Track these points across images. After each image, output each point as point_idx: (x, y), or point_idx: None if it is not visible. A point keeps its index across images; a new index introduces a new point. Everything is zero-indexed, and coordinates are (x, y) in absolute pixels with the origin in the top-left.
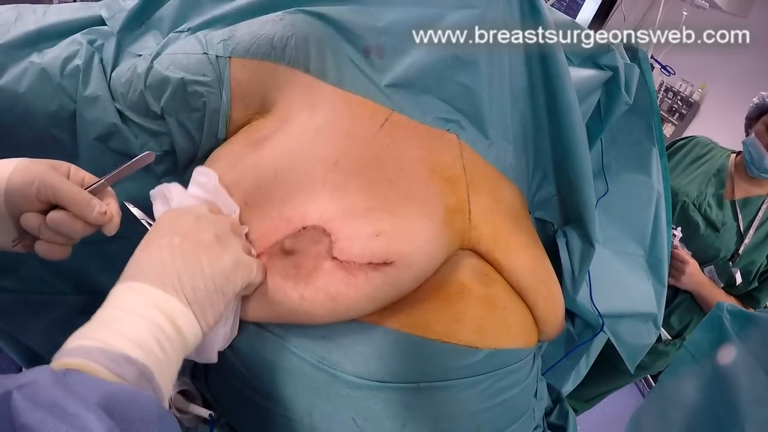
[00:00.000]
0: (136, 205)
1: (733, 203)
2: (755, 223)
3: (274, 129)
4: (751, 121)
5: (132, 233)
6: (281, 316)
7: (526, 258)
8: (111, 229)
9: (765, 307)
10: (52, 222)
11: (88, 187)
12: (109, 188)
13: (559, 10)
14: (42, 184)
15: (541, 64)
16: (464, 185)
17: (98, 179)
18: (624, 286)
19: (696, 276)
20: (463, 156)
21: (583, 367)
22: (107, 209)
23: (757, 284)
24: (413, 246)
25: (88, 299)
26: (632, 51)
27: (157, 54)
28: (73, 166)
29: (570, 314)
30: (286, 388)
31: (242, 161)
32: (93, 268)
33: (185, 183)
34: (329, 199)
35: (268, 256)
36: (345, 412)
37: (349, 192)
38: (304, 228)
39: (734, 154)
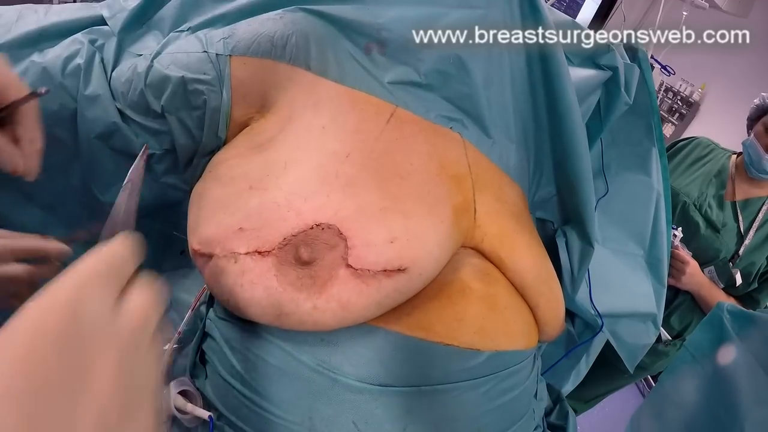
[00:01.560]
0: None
1: (733, 204)
2: (755, 225)
3: (278, 129)
4: (752, 122)
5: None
6: (286, 324)
7: (530, 258)
8: (29, 178)
9: (765, 308)
10: None
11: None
12: (28, 106)
13: (559, 10)
14: None
15: (541, 64)
16: (470, 184)
17: (8, 104)
18: (623, 286)
19: (696, 276)
20: (468, 154)
21: (583, 367)
22: (17, 167)
23: (757, 285)
24: (425, 251)
25: None
26: (632, 51)
27: (158, 53)
28: None
29: (570, 314)
30: (286, 392)
31: (248, 161)
32: None
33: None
34: (342, 194)
35: (279, 261)
36: (345, 416)
37: (363, 187)
38: (317, 225)
39: (735, 155)
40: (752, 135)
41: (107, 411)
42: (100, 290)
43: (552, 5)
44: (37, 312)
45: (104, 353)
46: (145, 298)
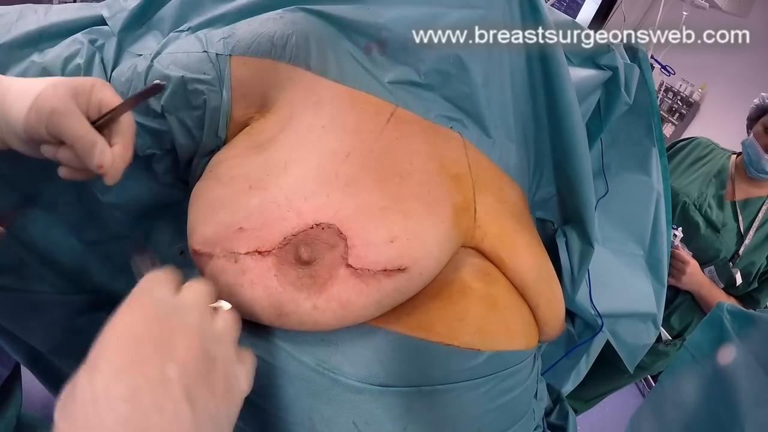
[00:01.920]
0: (133, 205)
1: (733, 204)
2: (755, 224)
3: (279, 129)
4: (751, 122)
5: (134, 233)
6: (287, 324)
7: (530, 258)
8: (109, 180)
9: (765, 308)
10: (62, 159)
11: (100, 118)
12: (126, 117)
13: (559, 10)
14: (50, 124)
15: (541, 64)
16: (470, 184)
17: (111, 109)
18: (623, 286)
19: (696, 276)
20: (468, 154)
21: (583, 367)
22: (104, 162)
23: (757, 285)
24: (424, 251)
25: (90, 298)
26: (632, 51)
27: (158, 53)
28: (97, 85)
29: (570, 314)
30: (286, 392)
31: (249, 161)
32: (94, 268)
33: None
34: (342, 194)
35: (279, 261)
36: (346, 416)
37: (363, 187)
38: (317, 225)
39: (735, 155)
40: (752, 135)
41: (188, 366)
42: (162, 288)
43: (552, 5)
44: (126, 309)
45: (179, 325)
46: (195, 290)
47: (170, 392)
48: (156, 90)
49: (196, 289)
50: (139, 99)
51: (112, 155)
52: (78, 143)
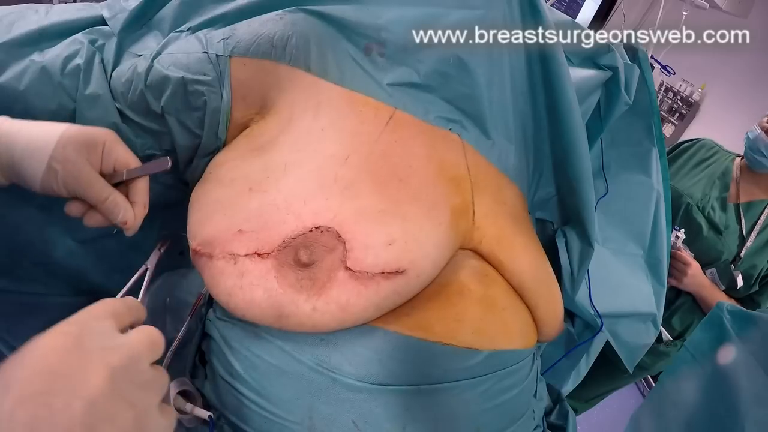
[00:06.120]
0: None
1: (736, 206)
2: (757, 227)
3: (278, 131)
4: None
5: None
6: (286, 326)
7: (528, 259)
8: (129, 233)
9: (766, 309)
10: (88, 221)
11: (120, 183)
12: (142, 180)
13: (559, 10)
14: (69, 188)
15: (541, 65)
16: (468, 186)
17: (125, 170)
18: (623, 286)
19: (698, 278)
20: (467, 156)
21: (583, 367)
22: (128, 219)
23: (758, 288)
24: (422, 253)
25: (86, 300)
26: (632, 51)
27: (158, 53)
28: (108, 142)
29: (570, 314)
30: (285, 391)
31: (249, 163)
32: (89, 268)
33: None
34: (341, 197)
35: (279, 263)
36: (345, 415)
37: (361, 190)
38: (316, 228)
39: (739, 158)
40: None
41: (95, 404)
42: (100, 322)
43: (552, 5)
44: (52, 334)
45: (100, 362)
46: (140, 333)
47: (70, 427)
48: (163, 166)
49: (139, 335)
50: (155, 170)
51: (134, 214)
52: (102, 205)
